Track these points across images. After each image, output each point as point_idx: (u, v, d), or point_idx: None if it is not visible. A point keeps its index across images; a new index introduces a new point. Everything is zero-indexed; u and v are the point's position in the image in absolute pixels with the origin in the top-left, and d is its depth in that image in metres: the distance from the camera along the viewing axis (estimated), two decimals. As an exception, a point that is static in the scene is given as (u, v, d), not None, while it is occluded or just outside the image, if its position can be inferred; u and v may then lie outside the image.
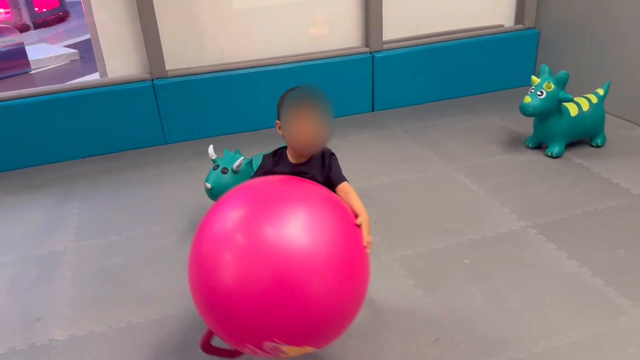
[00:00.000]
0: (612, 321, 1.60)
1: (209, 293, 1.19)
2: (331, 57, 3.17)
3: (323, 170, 1.44)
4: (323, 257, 1.17)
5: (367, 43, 3.24)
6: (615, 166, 2.50)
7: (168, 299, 1.80)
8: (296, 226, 1.19)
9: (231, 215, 1.24)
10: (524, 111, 2.55)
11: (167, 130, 3.04)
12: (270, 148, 1.54)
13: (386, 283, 1.80)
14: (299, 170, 1.43)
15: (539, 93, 2.51)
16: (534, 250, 1.95)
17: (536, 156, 2.66)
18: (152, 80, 2.93)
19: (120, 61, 2.95)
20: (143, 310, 1.76)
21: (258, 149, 2.17)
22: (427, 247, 2.00)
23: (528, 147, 2.73)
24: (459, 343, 1.54)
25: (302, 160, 1.45)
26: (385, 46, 3.25)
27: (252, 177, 1.54)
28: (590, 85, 2.83)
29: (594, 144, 2.69)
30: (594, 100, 2.61)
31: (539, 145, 2.71)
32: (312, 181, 1.38)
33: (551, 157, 2.62)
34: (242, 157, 2.05)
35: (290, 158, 1.46)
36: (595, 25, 3.06)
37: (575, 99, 2.58)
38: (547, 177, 2.47)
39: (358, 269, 1.26)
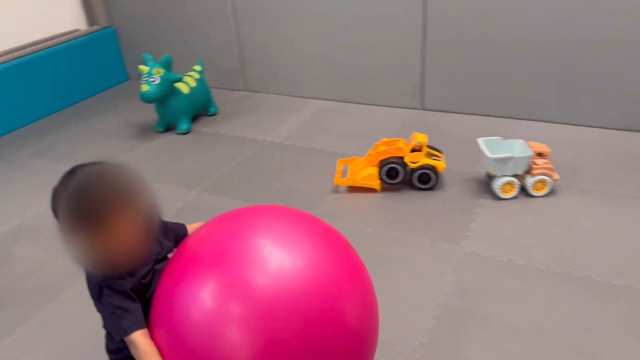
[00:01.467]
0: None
1: None
2: None
3: (167, 233, 1.14)
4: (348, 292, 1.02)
5: None
6: (234, 124, 2.95)
7: None
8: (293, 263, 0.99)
9: (202, 284, 0.97)
10: (146, 99, 2.69)
11: None
12: None
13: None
14: (158, 252, 1.09)
15: (152, 80, 2.68)
16: (216, 208, 2.15)
17: (170, 137, 2.86)
18: None
19: None
20: None
21: None
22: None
23: (159, 131, 2.91)
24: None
25: None
26: (-38, 72, 2.81)
27: (111, 309, 1.02)
28: (181, 65, 3.15)
29: (210, 113, 3.08)
30: (196, 76, 2.96)
31: (168, 127, 2.92)
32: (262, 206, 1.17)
33: (183, 133, 2.87)
34: None
35: None
36: (164, 15, 3.40)
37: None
38: (189, 150, 2.72)
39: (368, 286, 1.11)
